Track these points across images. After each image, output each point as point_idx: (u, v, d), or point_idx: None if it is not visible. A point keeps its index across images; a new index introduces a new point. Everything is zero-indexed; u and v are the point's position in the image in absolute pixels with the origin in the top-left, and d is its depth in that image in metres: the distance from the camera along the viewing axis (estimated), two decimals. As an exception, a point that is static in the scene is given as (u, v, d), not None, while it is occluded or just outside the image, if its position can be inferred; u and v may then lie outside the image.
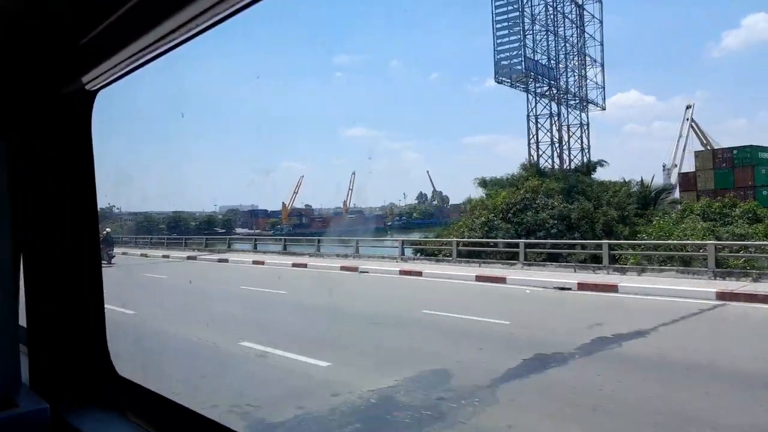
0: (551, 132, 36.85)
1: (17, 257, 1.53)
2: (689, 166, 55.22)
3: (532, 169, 33.70)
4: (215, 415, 1.62)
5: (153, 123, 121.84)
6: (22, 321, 1.56)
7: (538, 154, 36.67)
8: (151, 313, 12.06)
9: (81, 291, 1.60)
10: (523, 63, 34.40)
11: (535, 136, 36.68)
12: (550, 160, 36.52)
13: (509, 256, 20.37)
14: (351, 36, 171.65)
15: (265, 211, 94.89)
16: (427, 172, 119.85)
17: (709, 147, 59.11)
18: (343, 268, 21.29)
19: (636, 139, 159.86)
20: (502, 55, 35.21)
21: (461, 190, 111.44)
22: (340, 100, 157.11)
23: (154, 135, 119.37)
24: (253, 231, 76.15)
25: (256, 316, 11.61)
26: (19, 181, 1.48)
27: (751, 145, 38.52)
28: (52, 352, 1.58)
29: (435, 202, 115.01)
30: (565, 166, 36.43)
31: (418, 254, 23.97)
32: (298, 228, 71.33)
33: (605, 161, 38.15)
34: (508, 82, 35.91)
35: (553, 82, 36.74)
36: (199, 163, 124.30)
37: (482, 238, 24.04)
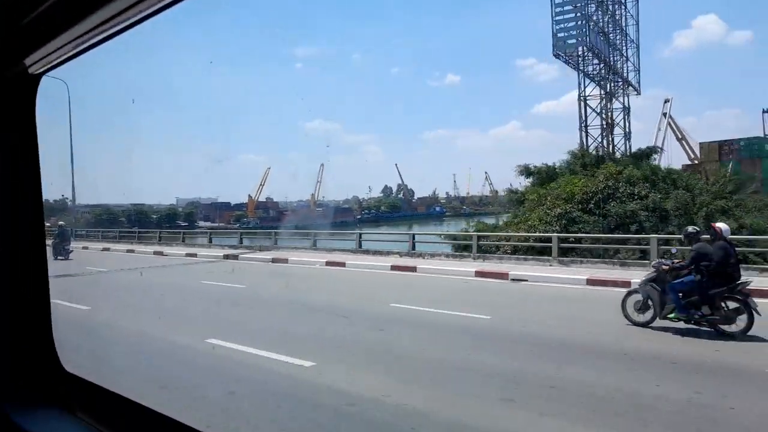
0: (607, 115, 33.57)
1: None
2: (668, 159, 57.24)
3: (589, 156, 30.02)
4: (167, 410, 1.46)
5: (104, 110, 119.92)
6: None
7: (586, 140, 33.21)
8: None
9: (25, 285, 1.53)
10: (587, 37, 31.54)
11: (584, 121, 33.29)
12: (599, 146, 33.33)
13: (598, 254, 18.35)
14: (312, 28, 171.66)
15: (228, 203, 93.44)
16: (396, 165, 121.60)
17: (684, 141, 60.88)
18: (394, 268, 17.61)
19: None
20: (560, 27, 32.10)
21: (423, 183, 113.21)
22: (301, 92, 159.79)
23: (106, 123, 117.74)
24: (216, 224, 74.98)
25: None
26: None
27: (757, 137, 38.73)
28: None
29: (401, 195, 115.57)
30: (616, 152, 33.11)
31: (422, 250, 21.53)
32: (266, 221, 70.30)
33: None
34: (563, 57, 32.98)
35: (604, 62, 33.71)
36: (155, 154, 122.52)
37: (561, 231, 21.02)
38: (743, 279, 8.42)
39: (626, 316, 8.98)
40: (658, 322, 8.69)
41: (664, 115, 60.54)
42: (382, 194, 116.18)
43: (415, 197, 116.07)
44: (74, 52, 1.25)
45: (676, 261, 8.99)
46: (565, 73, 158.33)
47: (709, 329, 8.28)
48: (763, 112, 51.47)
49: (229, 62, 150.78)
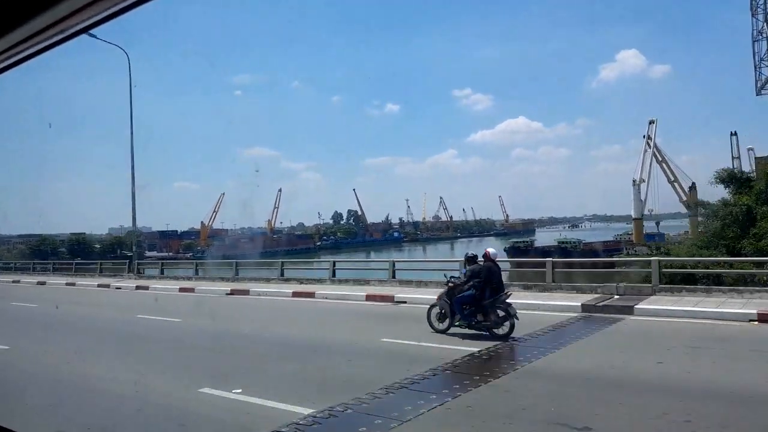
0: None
1: None
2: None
3: None
4: None
5: (19, 135, 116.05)
6: None
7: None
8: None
9: None
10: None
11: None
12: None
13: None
14: (252, 56, 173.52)
15: (175, 232, 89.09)
16: (354, 190, 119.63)
17: (664, 163, 61.86)
18: (371, 298, 15.47)
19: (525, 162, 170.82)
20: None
21: (370, 210, 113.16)
22: (239, 120, 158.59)
23: (22, 149, 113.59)
24: (165, 254, 70.80)
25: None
26: None
27: None
28: None
29: (351, 221, 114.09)
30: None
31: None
32: (221, 250, 66.85)
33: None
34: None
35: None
36: (80, 182, 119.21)
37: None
38: (506, 292, 10.35)
39: (430, 324, 10.56)
40: (453, 329, 10.28)
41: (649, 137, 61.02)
42: (331, 221, 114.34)
43: (368, 222, 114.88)
44: None
45: (459, 279, 10.86)
46: (498, 104, 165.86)
47: (484, 332, 10.01)
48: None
49: (162, 87, 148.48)
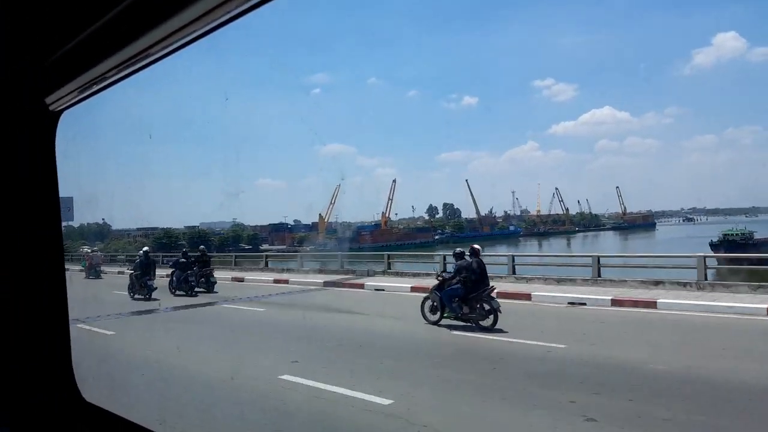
0: None
1: None
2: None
3: None
4: None
5: (123, 143, 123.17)
6: None
7: None
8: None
9: (45, 313, 1.56)
10: None
11: None
12: None
13: None
14: (329, 55, 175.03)
15: (285, 225, 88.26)
16: (466, 181, 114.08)
17: None
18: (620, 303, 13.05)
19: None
20: None
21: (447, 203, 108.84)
22: (317, 118, 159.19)
23: (124, 155, 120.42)
24: (282, 247, 69.58)
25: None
26: None
27: None
28: (13, 376, 1.54)
29: (447, 215, 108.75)
30: None
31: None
32: (343, 243, 64.48)
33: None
34: None
35: None
36: (176, 183, 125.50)
37: None
38: (490, 286, 11.01)
39: (424, 316, 11.55)
40: (444, 321, 11.20)
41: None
42: (426, 214, 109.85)
43: (461, 217, 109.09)
44: (95, 89, 1.30)
45: (448, 273, 11.73)
46: (582, 93, 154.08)
47: (470, 324, 10.84)
48: None
49: (246, 93, 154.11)
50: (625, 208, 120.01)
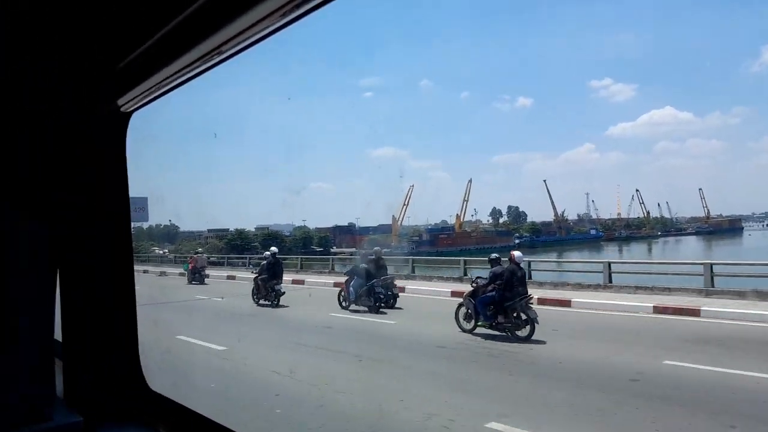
0: None
1: (54, 273, 1.55)
2: None
3: None
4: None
5: (184, 143, 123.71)
6: (58, 335, 1.59)
7: None
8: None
9: (115, 306, 1.63)
10: None
11: None
12: None
13: None
14: (382, 57, 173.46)
15: (352, 226, 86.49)
16: (545, 181, 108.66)
17: None
18: None
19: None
20: None
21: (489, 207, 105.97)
22: (369, 121, 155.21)
23: (188, 155, 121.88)
24: (353, 249, 67.69)
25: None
26: (57, 200, 1.51)
27: None
28: (86, 367, 1.62)
29: (509, 218, 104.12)
30: None
31: None
32: (422, 246, 61.92)
33: None
34: None
35: None
36: (232, 184, 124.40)
37: None
38: (529, 295, 10.45)
39: (458, 324, 11.11)
40: (479, 329, 10.75)
41: None
42: (490, 217, 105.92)
43: (528, 220, 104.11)
44: (163, 90, 1.36)
45: (483, 279, 11.21)
46: (641, 93, 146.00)
47: (506, 333, 10.39)
48: None
49: (300, 97, 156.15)
50: (708, 211, 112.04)
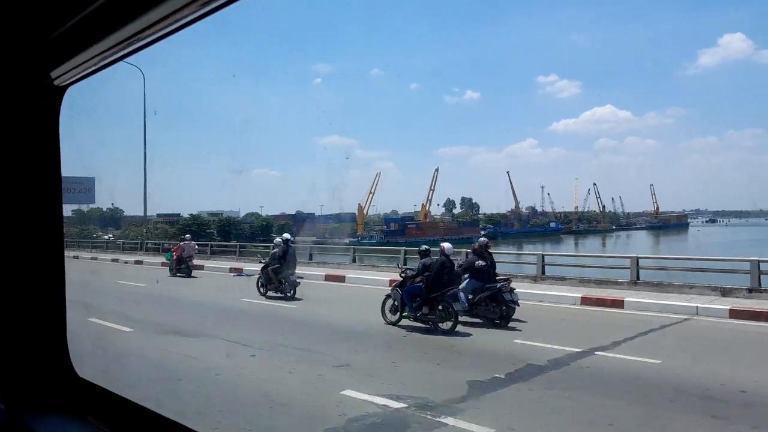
0: None
1: None
2: None
3: None
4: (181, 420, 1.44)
5: (127, 124, 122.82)
6: None
7: None
8: None
9: (42, 291, 1.56)
10: None
11: None
12: None
13: None
14: (333, 44, 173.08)
15: (312, 215, 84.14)
16: (507, 173, 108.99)
17: None
18: None
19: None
20: None
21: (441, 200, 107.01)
22: (318, 108, 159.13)
23: (129, 136, 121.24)
24: (313, 238, 65.53)
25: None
26: None
27: None
28: (9, 353, 1.54)
29: (464, 209, 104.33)
30: None
31: None
32: (390, 236, 60.11)
33: None
34: None
35: None
36: (170, 167, 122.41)
37: None
38: (453, 288, 10.32)
39: (383, 316, 10.88)
40: (403, 321, 10.57)
41: None
42: (444, 208, 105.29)
43: (480, 212, 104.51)
44: (99, 65, 1.28)
45: (412, 270, 10.96)
46: (585, 91, 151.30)
47: (429, 326, 10.22)
48: None
49: (246, 78, 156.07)
50: (657, 207, 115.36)
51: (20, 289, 1.51)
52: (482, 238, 12.03)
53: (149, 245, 37.07)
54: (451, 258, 10.89)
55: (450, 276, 10.46)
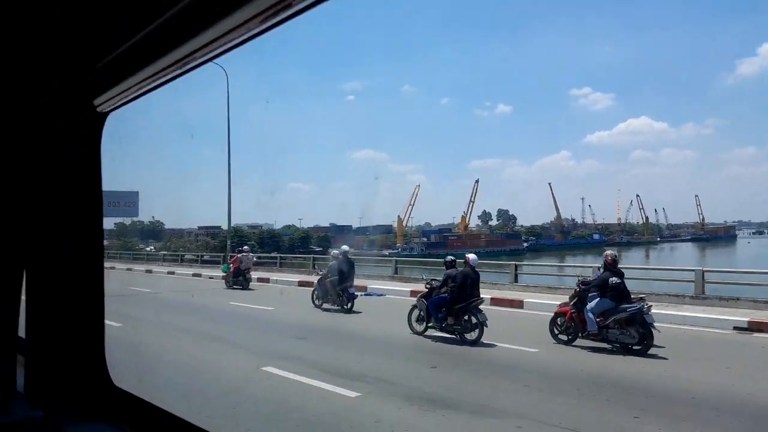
0: None
1: (20, 269, 1.55)
2: None
3: None
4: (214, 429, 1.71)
5: (165, 144, 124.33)
6: (22, 332, 1.58)
7: None
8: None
9: (82, 303, 1.62)
10: None
11: None
12: None
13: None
14: (364, 62, 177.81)
15: (350, 227, 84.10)
16: (549, 184, 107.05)
17: None
18: None
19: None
20: None
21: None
22: (351, 124, 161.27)
23: (170, 155, 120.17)
24: (355, 250, 65.29)
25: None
26: (27, 197, 1.51)
27: None
28: (48, 362, 1.60)
29: (500, 221, 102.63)
30: None
31: None
32: (433, 248, 59.48)
33: None
34: None
35: None
36: (210, 184, 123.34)
37: None
38: (479, 298, 10.46)
39: (410, 326, 10.97)
40: (430, 331, 10.67)
41: None
42: (480, 221, 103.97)
43: (516, 224, 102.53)
44: (140, 92, 1.34)
45: (438, 281, 11.14)
46: (619, 103, 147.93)
47: (455, 336, 10.31)
48: None
49: (282, 99, 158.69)
50: (703, 218, 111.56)
51: (62, 300, 1.59)
52: (610, 251, 10.47)
53: (205, 257, 37.33)
54: (476, 269, 10.90)
55: (474, 287, 10.53)
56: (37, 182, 1.51)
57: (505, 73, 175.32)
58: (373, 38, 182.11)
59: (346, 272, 14.15)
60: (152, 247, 59.42)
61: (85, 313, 1.61)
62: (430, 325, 10.56)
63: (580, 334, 9.64)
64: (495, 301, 14.68)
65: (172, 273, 28.83)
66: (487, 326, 9.94)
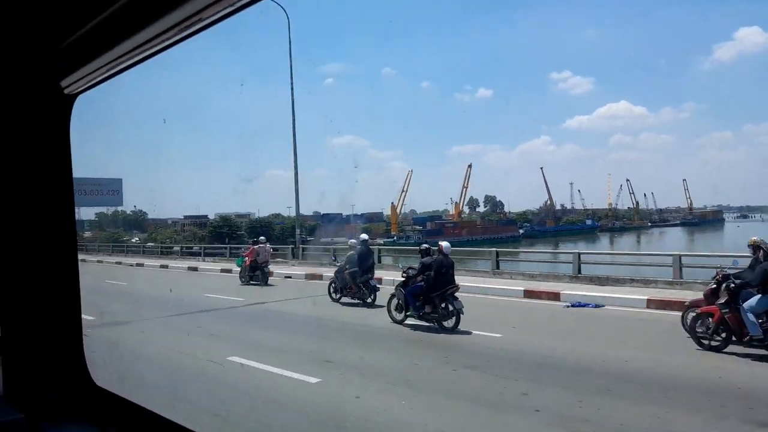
0: None
1: None
2: None
3: None
4: (197, 427, 1.49)
5: (138, 128, 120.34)
6: None
7: None
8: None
9: (57, 299, 1.55)
10: None
11: None
12: None
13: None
14: (344, 45, 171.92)
15: (339, 215, 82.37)
16: (541, 169, 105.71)
17: None
18: None
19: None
20: None
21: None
22: (330, 108, 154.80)
23: (143, 140, 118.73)
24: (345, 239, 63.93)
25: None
26: None
27: None
28: (27, 362, 1.54)
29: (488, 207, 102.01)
30: None
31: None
32: (430, 236, 58.34)
33: None
34: None
35: None
36: (184, 170, 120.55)
37: None
38: (454, 286, 10.39)
39: (389, 315, 11.03)
40: (409, 320, 10.65)
41: None
42: (467, 207, 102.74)
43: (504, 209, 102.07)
44: (109, 73, 1.28)
45: (414, 269, 11.02)
46: (599, 87, 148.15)
47: (433, 324, 10.36)
48: None
49: (257, 81, 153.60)
50: (691, 202, 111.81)
51: (36, 301, 1.50)
52: (756, 237, 8.88)
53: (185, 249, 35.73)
54: (450, 257, 10.86)
55: (449, 274, 10.54)
56: (2, 171, 1.43)
57: (486, 56, 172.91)
58: (351, 19, 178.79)
59: (366, 262, 13.11)
60: (137, 239, 57.52)
61: (63, 309, 1.55)
62: (408, 313, 10.62)
63: (733, 338, 8.15)
64: (528, 294, 14.16)
65: (194, 269, 25.89)
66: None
